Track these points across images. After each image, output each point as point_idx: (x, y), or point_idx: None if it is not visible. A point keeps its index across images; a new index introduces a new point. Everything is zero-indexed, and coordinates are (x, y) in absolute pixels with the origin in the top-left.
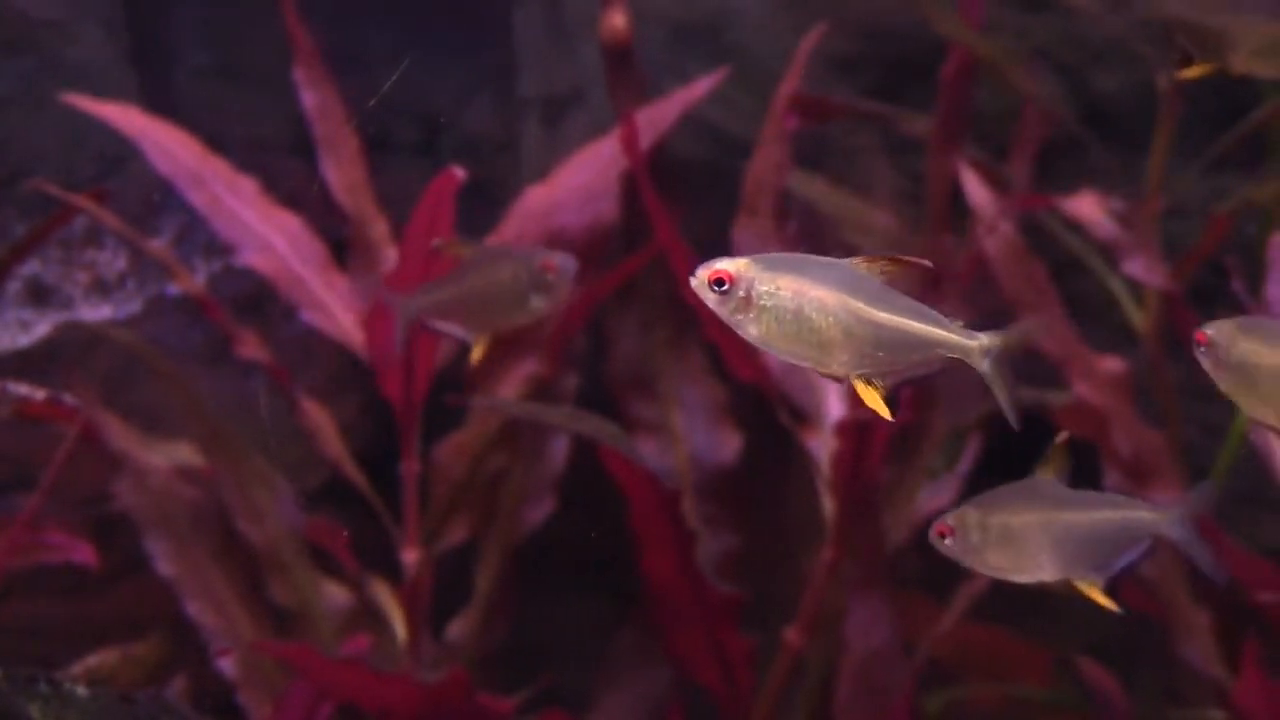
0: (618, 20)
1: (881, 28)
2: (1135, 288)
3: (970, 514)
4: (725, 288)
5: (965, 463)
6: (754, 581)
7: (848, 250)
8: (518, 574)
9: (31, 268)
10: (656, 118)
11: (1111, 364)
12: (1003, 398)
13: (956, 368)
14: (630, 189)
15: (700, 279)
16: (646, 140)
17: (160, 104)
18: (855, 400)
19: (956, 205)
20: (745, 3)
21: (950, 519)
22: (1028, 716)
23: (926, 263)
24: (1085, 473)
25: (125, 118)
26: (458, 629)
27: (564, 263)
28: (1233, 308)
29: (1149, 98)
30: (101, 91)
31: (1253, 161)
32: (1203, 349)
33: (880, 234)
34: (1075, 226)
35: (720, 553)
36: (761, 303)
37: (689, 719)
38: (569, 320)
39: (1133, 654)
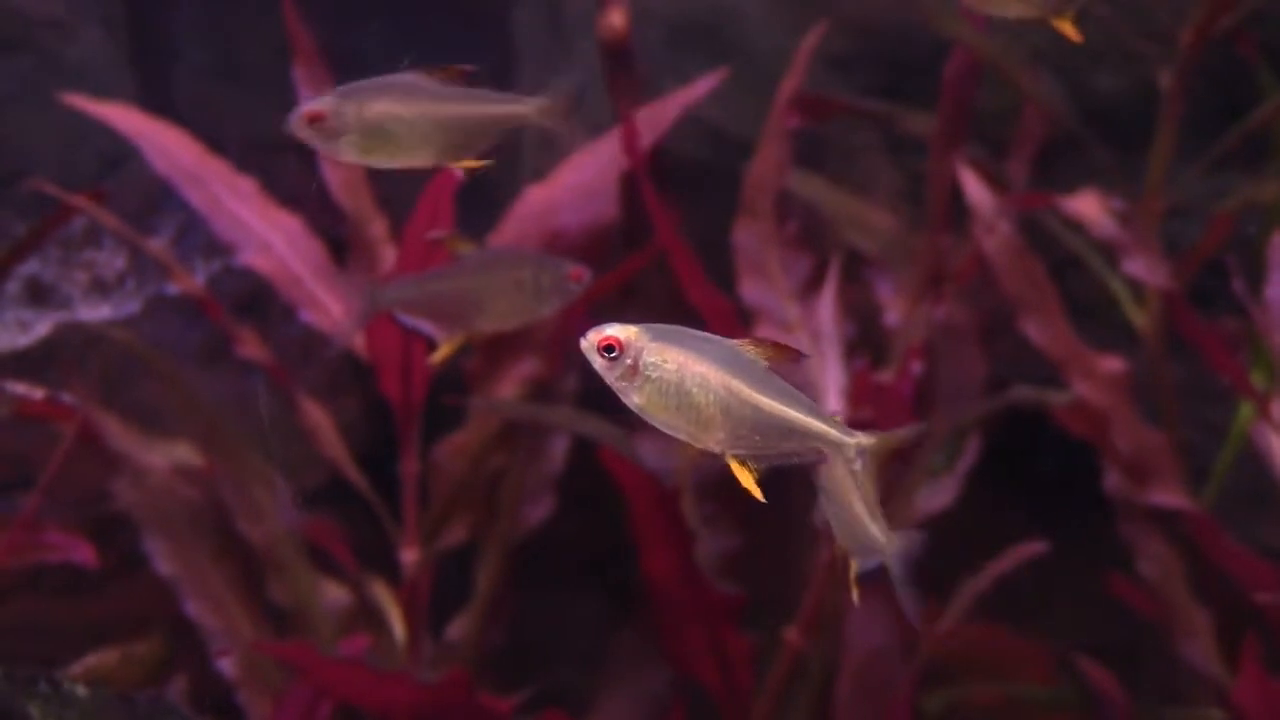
0: (616, 19)
1: (879, 27)
2: (1136, 287)
3: (345, 104)
4: (614, 354)
5: (965, 462)
6: (754, 581)
7: (848, 249)
8: (517, 574)
9: (30, 267)
10: (656, 117)
11: (1111, 364)
12: (870, 499)
13: (957, 365)
14: (630, 189)
15: (590, 343)
16: (646, 140)
17: (160, 104)
18: (856, 400)
19: (956, 204)
20: (744, 2)
21: (322, 105)
22: (1028, 716)
23: (807, 352)
24: (1085, 472)
25: (125, 117)
26: (457, 629)
27: (586, 271)
28: (1233, 307)
29: (1149, 98)
30: (100, 91)
31: (1254, 161)
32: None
33: (880, 233)
34: (1075, 226)
35: (720, 553)
36: (647, 373)
37: (689, 719)
38: (569, 320)
39: (1133, 654)
